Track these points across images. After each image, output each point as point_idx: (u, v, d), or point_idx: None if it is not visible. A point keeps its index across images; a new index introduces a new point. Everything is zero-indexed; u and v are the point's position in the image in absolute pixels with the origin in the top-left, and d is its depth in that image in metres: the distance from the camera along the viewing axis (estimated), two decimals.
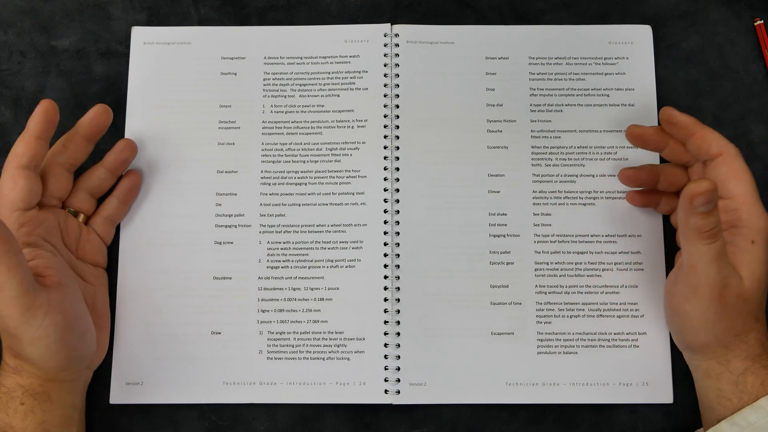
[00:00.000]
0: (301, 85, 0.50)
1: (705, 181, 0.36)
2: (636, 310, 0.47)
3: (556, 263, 0.48)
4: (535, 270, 0.48)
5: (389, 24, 0.51)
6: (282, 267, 0.48)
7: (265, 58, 0.51)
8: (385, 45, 0.51)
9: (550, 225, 0.48)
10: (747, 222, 0.40)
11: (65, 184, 0.45)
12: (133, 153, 0.48)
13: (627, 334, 0.47)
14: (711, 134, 0.42)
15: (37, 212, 0.43)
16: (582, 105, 0.50)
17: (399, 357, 0.47)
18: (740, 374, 0.40)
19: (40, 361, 0.40)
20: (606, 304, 0.47)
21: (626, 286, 0.48)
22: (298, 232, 0.48)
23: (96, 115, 0.45)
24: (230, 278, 0.48)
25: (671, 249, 0.48)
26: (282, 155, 0.49)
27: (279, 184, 0.49)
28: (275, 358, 0.47)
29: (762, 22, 0.51)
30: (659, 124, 0.45)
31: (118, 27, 0.51)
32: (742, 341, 0.40)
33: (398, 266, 0.48)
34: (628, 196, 0.48)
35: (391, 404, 0.47)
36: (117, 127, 0.50)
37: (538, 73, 0.50)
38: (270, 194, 0.49)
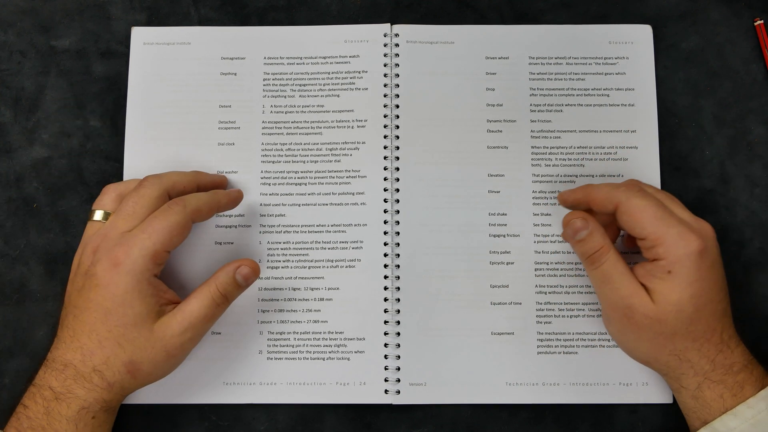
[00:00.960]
0: (301, 85, 0.50)
1: (573, 213, 0.42)
2: None
3: (556, 263, 0.48)
4: (535, 270, 0.48)
5: (389, 24, 0.51)
6: (282, 267, 0.48)
7: (265, 58, 0.51)
8: (385, 45, 0.51)
9: (550, 225, 0.48)
10: (664, 255, 0.40)
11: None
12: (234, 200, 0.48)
13: None
14: (598, 193, 0.42)
15: None
16: (582, 105, 0.50)
17: (399, 357, 0.47)
18: (696, 389, 0.41)
19: (163, 375, 0.43)
20: None
21: None
22: (298, 232, 0.48)
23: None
24: None
25: None
26: (282, 155, 0.49)
27: (279, 184, 0.49)
28: (275, 359, 0.47)
29: (762, 22, 0.51)
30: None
31: (118, 27, 0.51)
32: (683, 360, 0.40)
33: (398, 266, 0.48)
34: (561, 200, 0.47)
35: (391, 404, 0.47)
36: (117, 128, 0.50)
37: (538, 73, 0.50)
38: (270, 194, 0.49)
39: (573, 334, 0.47)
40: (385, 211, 0.49)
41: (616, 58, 0.51)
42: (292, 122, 0.50)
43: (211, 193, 0.45)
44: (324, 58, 0.51)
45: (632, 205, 0.40)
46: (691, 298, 0.39)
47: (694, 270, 0.39)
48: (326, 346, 0.47)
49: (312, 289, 0.48)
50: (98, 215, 0.44)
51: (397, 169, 0.49)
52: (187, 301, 0.42)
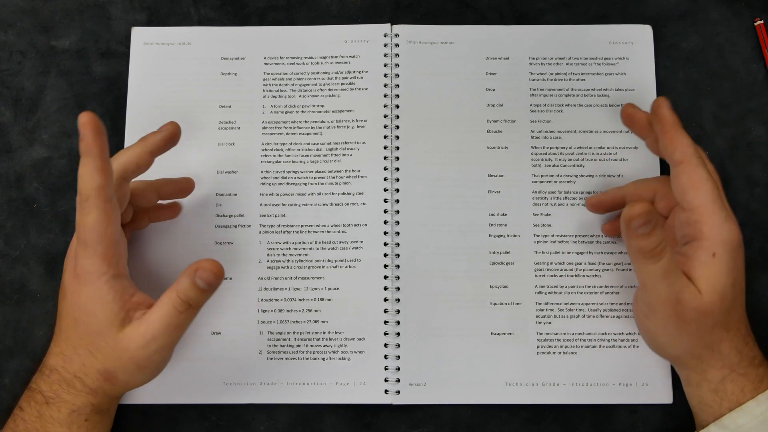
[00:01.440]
0: (301, 85, 0.50)
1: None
2: None
3: (556, 263, 0.48)
4: (535, 270, 0.48)
5: (389, 24, 0.51)
6: (282, 267, 0.48)
7: (265, 58, 0.51)
8: (385, 45, 0.51)
9: (550, 225, 0.48)
10: (708, 234, 0.39)
11: (127, 202, 0.44)
12: (188, 194, 0.48)
13: (627, 334, 0.47)
14: (679, 139, 0.40)
15: (119, 241, 0.41)
16: (582, 105, 0.50)
17: (399, 357, 0.47)
18: (719, 383, 0.40)
19: (143, 382, 0.41)
20: (606, 304, 0.47)
21: (626, 287, 0.48)
22: (298, 232, 0.48)
23: (169, 135, 0.44)
24: (230, 278, 0.48)
25: None
26: (282, 155, 0.49)
27: (279, 184, 0.49)
28: (275, 359, 0.47)
29: (762, 22, 0.51)
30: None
31: (118, 27, 0.51)
32: (715, 352, 0.40)
33: (398, 266, 0.48)
34: (604, 228, 0.48)
35: (391, 404, 0.47)
36: (117, 128, 0.50)
37: (538, 73, 0.50)
38: (270, 194, 0.49)
39: (573, 334, 0.47)
40: (385, 211, 0.49)
41: (616, 59, 0.51)
42: (292, 122, 0.50)
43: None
44: (324, 58, 0.51)
45: (698, 172, 0.39)
46: (732, 286, 0.39)
47: (733, 257, 0.39)
48: (326, 346, 0.47)
49: (312, 289, 0.48)
50: None
51: (397, 169, 0.49)
52: (151, 310, 0.39)
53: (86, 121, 0.37)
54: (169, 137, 0.44)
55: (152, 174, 0.48)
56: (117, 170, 0.41)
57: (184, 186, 0.47)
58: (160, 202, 0.47)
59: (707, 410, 0.41)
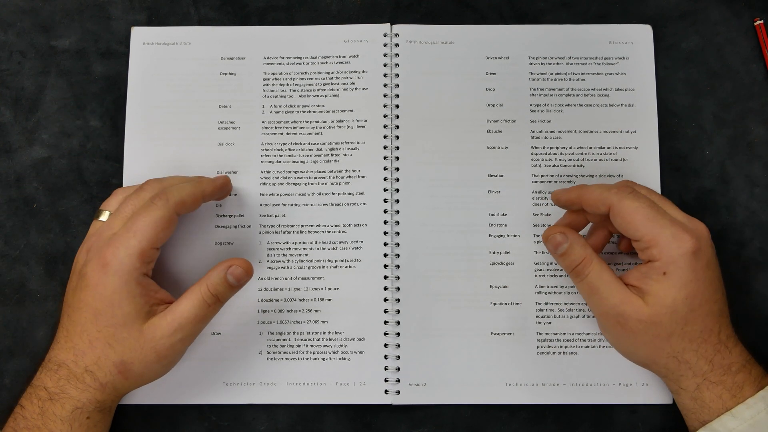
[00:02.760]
0: (300, 85, 0.50)
1: (553, 227, 0.43)
2: None
3: (555, 263, 0.48)
4: (535, 270, 0.48)
5: (389, 24, 0.51)
6: (282, 267, 0.48)
7: (264, 58, 0.51)
8: (384, 45, 0.51)
9: (550, 225, 0.48)
10: (658, 256, 0.40)
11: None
12: (227, 194, 0.48)
13: None
14: (590, 194, 0.42)
15: None
16: (582, 105, 0.50)
17: (399, 357, 0.47)
18: (694, 390, 0.40)
19: (155, 376, 0.42)
20: None
21: None
22: (298, 232, 0.48)
23: (222, 186, 0.46)
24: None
25: None
26: (282, 155, 0.49)
27: (279, 184, 0.49)
28: (275, 359, 0.47)
29: (762, 22, 0.51)
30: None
31: (118, 27, 0.51)
32: (681, 362, 0.40)
33: (398, 266, 0.48)
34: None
35: (391, 404, 0.47)
36: (117, 128, 0.50)
37: (538, 73, 0.50)
38: (270, 194, 0.49)
39: (573, 334, 0.47)
40: (385, 211, 0.49)
41: (616, 58, 0.51)
42: (291, 122, 0.50)
43: (194, 181, 0.44)
44: (324, 58, 0.51)
45: (624, 207, 0.40)
46: (686, 299, 0.39)
47: (689, 270, 0.39)
48: (326, 346, 0.47)
49: (312, 290, 0.48)
50: (105, 216, 0.44)
51: (397, 169, 0.49)
52: (178, 301, 0.41)
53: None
54: (222, 187, 0.46)
55: (157, 174, 0.48)
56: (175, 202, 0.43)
57: (223, 184, 0.47)
58: None
59: (692, 416, 0.41)
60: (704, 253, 0.40)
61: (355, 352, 0.47)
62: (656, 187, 0.49)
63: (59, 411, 0.40)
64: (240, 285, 0.42)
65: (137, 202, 0.43)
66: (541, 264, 0.48)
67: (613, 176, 0.49)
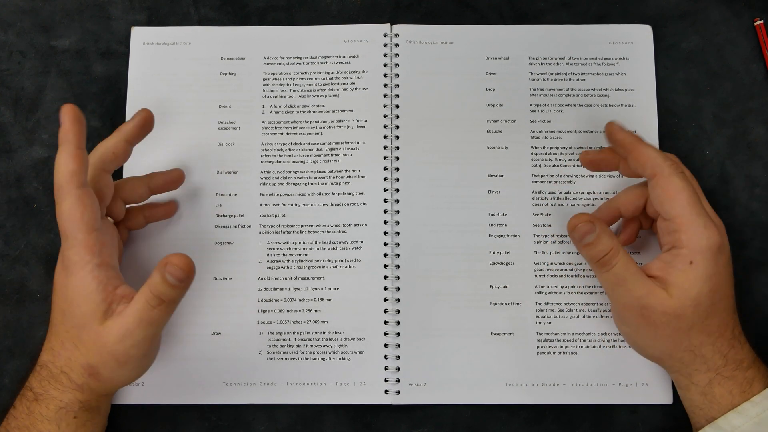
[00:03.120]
0: (300, 85, 0.50)
1: (580, 215, 0.41)
2: None
3: (555, 263, 0.48)
4: (535, 270, 0.48)
5: (389, 24, 0.51)
6: (282, 267, 0.48)
7: (264, 58, 0.51)
8: (385, 45, 0.51)
9: (550, 225, 0.48)
10: (686, 243, 0.39)
11: (111, 194, 0.43)
12: (179, 185, 0.48)
13: None
14: (646, 153, 0.41)
15: (101, 229, 0.40)
16: (582, 105, 0.50)
17: (399, 357, 0.47)
18: (706, 385, 0.40)
19: (127, 380, 0.41)
20: (606, 304, 0.47)
21: None
22: (298, 232, 0.48)
23: (142, 121, 0.44)
24: (230, 278, 0.48)
25: None
26: (282, 155, 0.49)
27: (279, 184, 0.49)
28: (275, 359, 0.47)
29: (762, 22, 0.51)
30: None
31: (118, 27, 0.51)
32: (697, 356, 0.40)
33: (398, 266, 0.48)
34: (582, 159, 0.46)
35: (391, 404, 0.47)
36: (117, 128, 0.50)
37: (538, 73, 0.50)
38: (270, 194, 0.49)
39: (573, 334, 0.47)
40: (385, 211, 0.49)
41: (616, 59, 0.51)
42: (291, 122, 0.50)
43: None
44: (324, 58, 0.51)
45: (673, 182, 0.40)
46: (709, 292, 0.39)
47: (714, 263, 0.39)
48: (326, 346, 0.47)
49: (312, 290, 0.48)
50: None
51: (397, 169, 0.49)
52: (126, 306, 0.39)
53: (66, 111, 0.39)
54: (143, 123, 0.44)
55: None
56: (94, 160, 0.42)
57: (175, 177, 0.47)
58: (153, 198, 0.47)
59: (699, 413, 0.41)
60: (726, 249, 0.40)
61: (355, 352, 0.47)
62: None
63: (45, 411, 0.40)
64: (183, 284, 0.38)
65: (62, 213, 0.39)
66: (541, 264, 0.48)
67: (613, 176, 0.49)
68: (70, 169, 0.38)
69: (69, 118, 0.39)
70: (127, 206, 0.46)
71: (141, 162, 0.49)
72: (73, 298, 0.39)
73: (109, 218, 0.44)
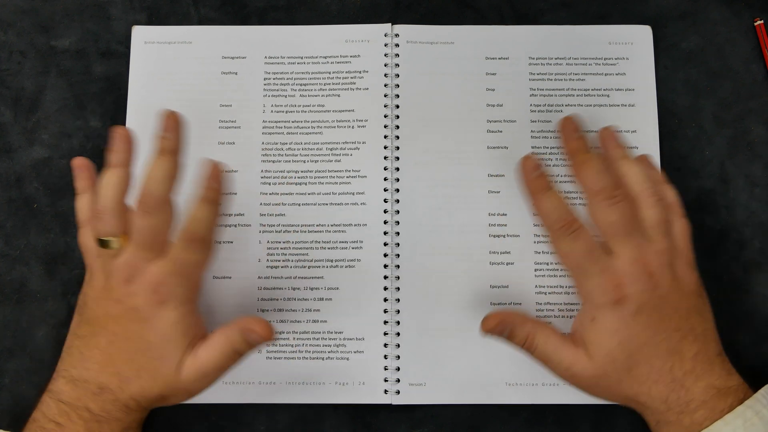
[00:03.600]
0: (301, 84, 0.50)
1: (490, 320, 0.41)
2: None
3: (556, 263, 0.48)
4: (535, 270, 0.48)
5: (389, 24, 0.51)
6: (282, 267, 0.48)
7: (265, 57, 0.51)
8: (385, 45, 0.51)
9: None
10: (584, 300, 0.40)
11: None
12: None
13: None
14: (544, 213, 0.41)
15: None
16: (582, 105, 0.50)
17: (399, 357, 0.47)
18: (655, 425, 0.40)
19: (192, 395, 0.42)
20: None
21: None
22: (298, 231, 0.48)
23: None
24: (230, 278, 0.48)
25: None
26: (282, 155, 0.49)
27: (279, 183, 0.49)
28: (275, 358, 0.47)
29: (762, 22, 0.51)
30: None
31: (118, 27, 0.52)
32: (639, 403, 0.40)
33: (398, 266, 0.48)
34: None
35: (390, 404, 0.47)
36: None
37: (538, 74, 0.50)
38: (270, 194, 0.49)
39: None
40: (385, 211, 0.49)
41: (616, 59, 0.51)
42: (292, 122, 0.50)
43: (207, 207, 0.41)
44: (324, 57, 0.51)
45: (557, 249, 0.41)
46: (620, 346, 0.39)
47: (615, 319, 0.39)
48: (326, 346, 0.47)
49: (312, 289, 0.48)
50: (118, 244, 0.41)
51: (397, 169, 0.49)
52: (205, 348, 0.41)
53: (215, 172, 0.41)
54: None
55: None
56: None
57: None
58: None
59: None
60: (632, 300, 0.39)
61: (355, 352, 0.47)
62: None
63: (108, 431, 0.40)
64: (259, 346, 0.42)
65: (157, 227, 0.40)
66: (541, 264, 0.48)
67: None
68: (213, 228, 0.42)
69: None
70: None
71: (141, 162, 0.49)
72: (168, 334, 0.40)
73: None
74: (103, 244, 0.40)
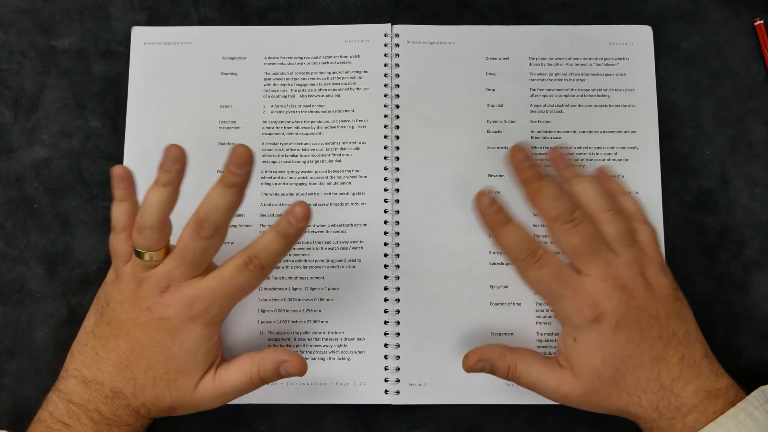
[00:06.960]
0: (301, 85, 0.50)
1: (470, 358, 0.42)
2: None
3: None
4: None
5: (389, 24, 0.51)
6: (282, 267, 0.48)
7: (265, 58, 0.51)
8: (385, 45, 0.51)
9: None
10: (563, 322, 0.40)
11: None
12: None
13: None
14: (507, 247, 0.41)
15: None
16: (582, 106, 0.50)
17: (399, 357, 0.47)
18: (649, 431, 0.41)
19: (200, 410, 0.43)
20: None
21: None
22: None
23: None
24: None
25: (671, 250, 0.48)
26: (282, 155, 0.49)
27: (279, 184, 0.49)
28: None
29: (762, 22, 0.51)
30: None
31: (118, 27, 0.51)
32: (631, 413, 0.40)
33: (398, 266, 0.48)
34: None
35: (390, 404, 0.47)
36: (117, 128, 0.50)
37: (538, 74, 0.50)
38: (270, 194, 0.49)
39: None
40: (385, 211, 0.49)
41: (616, 59, 0.51)
42: (292, 122, 0.50)
43: (275, 235, 0.40)
44: (324, 58, 0.51)
45: (526, 279, 0.41)
46: (604, 362, 0.39)
47: (595, 336, 0.39)
48: (326, 346, 0.47)
49: (312, 289, 0.48)
50: (149, 257, 0.41)
51: (397, 169, 0.49)
52: (228, 369, 0.42)
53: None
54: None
55: (152, 175, 0.48)
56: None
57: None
58: None
59: None
60: (610, 316, 0.39)
61: (355, 352, 0.47)
62: (656, 187, 0.49)
63: None
64: (290, 376, 0.42)
65: (204, 251, 0.40)
66: None
67: (613, 176, 0.48)
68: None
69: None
70: None
71: (141, 162, 0.49)
72: (193, 349, 0.40)
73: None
74: (140, 255, 0.41)
